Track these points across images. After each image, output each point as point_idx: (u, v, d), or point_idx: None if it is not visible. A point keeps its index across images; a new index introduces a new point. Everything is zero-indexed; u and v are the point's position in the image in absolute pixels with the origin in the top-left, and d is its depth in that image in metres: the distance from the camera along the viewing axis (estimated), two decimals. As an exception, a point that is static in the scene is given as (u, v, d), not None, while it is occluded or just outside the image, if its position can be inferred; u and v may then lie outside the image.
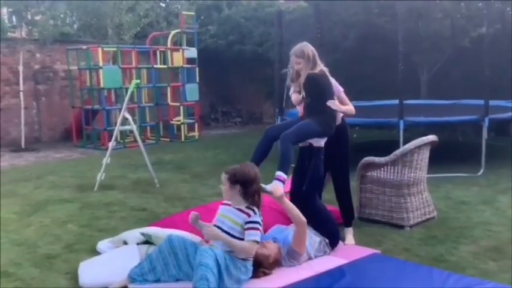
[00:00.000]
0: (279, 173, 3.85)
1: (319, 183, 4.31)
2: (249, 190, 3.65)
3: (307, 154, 4.27)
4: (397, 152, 4.90)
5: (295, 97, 4.32)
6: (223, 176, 3.71)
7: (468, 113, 7.60)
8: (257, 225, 3.60)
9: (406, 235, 4.68)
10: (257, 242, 3.58)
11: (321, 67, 4.14)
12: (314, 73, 4.07)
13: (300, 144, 4.25)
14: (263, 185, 3.75)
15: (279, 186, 3.80)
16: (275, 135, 4.12)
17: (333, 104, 4.10)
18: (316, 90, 4.10)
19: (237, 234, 3.58)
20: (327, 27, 9.74)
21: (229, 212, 3.68)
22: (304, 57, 4.06)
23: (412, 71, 10.32)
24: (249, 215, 3.60)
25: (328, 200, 5.77)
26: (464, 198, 5.90)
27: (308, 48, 4.11)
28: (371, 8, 10.52)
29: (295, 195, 4.24)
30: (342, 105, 4.35)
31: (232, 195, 3.69)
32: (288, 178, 4.02)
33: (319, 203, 4.32)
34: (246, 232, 3.58)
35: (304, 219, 3.83)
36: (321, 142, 4.19)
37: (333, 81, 4.36)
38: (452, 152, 7.99)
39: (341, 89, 4.53)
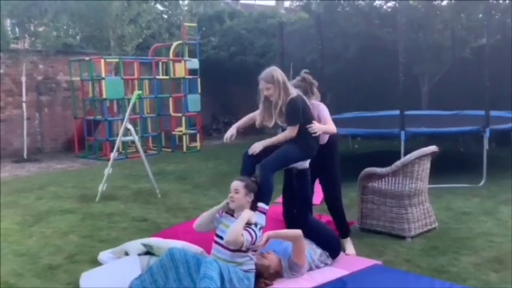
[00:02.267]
0: (261, 205, 3.77)
1: (309, 203, 4.32)
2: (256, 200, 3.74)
3: (292, 175, 4.24)
4: (398, 162, 4.91)
5: (259, 121, 4.20)
6: (238, 184, 3.73)
7: (469, 123, 7.61)
8: (253, 233, 3.60)
9: (407, 246, 4.68)
10: (245, 241, 3.56)
11: (294, 90, 4.07)
12: (294, 98, 4.00)
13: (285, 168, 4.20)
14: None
15: (262, 219, 3.74)
16: (254, 160, 3.99)
17: (312, 128, 4.05)
18: (290, 114, 4.00)
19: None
20: (328, 38, 9.79)
21: (232, 223, 3.69)
22: (274, 82, 3.96)
23: (413, 81, 10.36)
24: (265, 213, 3.68)
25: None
26: (466, 209, 5.90)
27: (277, 72, 4.01)
28: (372, 19, 10.58)
29: (287, 217, 4.26)
30: (323, 124, 4.31)
31: (243, 204, 3.71)
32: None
33: (313, 220, 4.34)
34: (243, 231, 3.60)
35: (297, 232, 3.84)
36: (305, 164, 4.16)
37: (315, 102, 4.40)
38: (454, 163, 7.99)
39: (324, 107, 4.49)
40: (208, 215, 3.84)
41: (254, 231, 3.62)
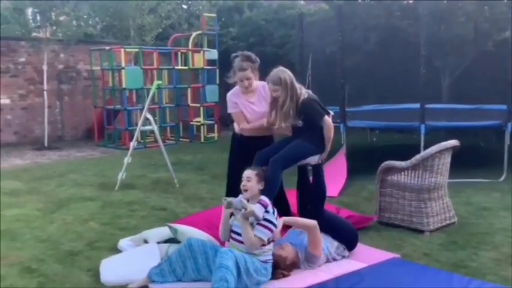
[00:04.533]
0: (263, 197, 3.74)
1: (323, 196, 4.31)
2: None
3: (307, 171, 4.28)
4: (418, 156, 4.87)
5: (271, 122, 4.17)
6: (250, 172, 3.74)
7: (490, 118, 7.51)
8: (269, 225, 3.62)
9: (426, 240, 4.65)
10: (262, 240, 3.58)
11: (303, 90, 4.08)
12: (309, 98, 4.04)
13: (298, 164, 4.19)
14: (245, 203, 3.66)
15: (260, 211, 3.68)
16: (267, 159, 3.96)
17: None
18: (312, 114, 4.04)
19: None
20: (348, 29, 9.71)
21: None
22: (281, 84, 3.96)
23: (434, 74, 10.22)
24: (266, 206, 3.66)
25: (348, 203, 5.81)
26: (486, 204, 5.83)
27: (285, 74, 4.00)
28: (393, 10, 10.46)
29: (302, 212, 4.25)
30: None
31: (256, 192, 3.73)
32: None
33: (328, 213, 4.33)
34: (257, 226, 3.61)
35: (312, 222, 3.84)
36: (316, 159, 4.17)
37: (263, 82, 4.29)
38: (474, 158, 7.90)
39: None
40: (224, 224, 3.82)
41: (267, 220, 3.62)
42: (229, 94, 4.38)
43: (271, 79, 4.03)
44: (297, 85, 4.07)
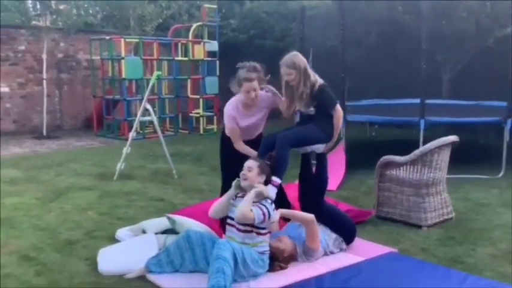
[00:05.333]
0: (274, 178, 3.76)
1: (324, 187, 4.32)
2: (268, 181, 3.75)
3: (310, 160, 4.28)
4: (417, 151, 4.88)
5: (285, 108, 4.17)
6: (252, 163, 3.73)
7: (490, 114, 7.51)
8: (264, 208, 3.60)
9: (423, 235, 4.66)
10: (253, 218, 3.54)
11: (317, 77, 4.08)
12: (322, 84, 4.06)
13: (301, 151, 4.21)
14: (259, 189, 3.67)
15: (274, 192, 3.74)
16: (273, 143, 3.96)
17: None
18: (327, 100, 4.07)
19: (256, 225, 3.60)
20: (350, 24, 9.65)
21: None
22: (295, 68, 3.97)
23: (435, 69, 10.20)
24: (277, 187, 3.68)
25: (346, 197, 5.82)
26: (484, 200, 5.85)
27: (298, 58, 4.02)
28: (395, 5, 10.42)
29: (303, 202, 4.25)
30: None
31: (255, 183, 3.71)
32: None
33: (327, 204, 4.35)
34: (254, 205, 3.59)
35: (310, 215, 3.85)
36: (321, 148, 4.19)
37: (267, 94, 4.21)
38: (473, 154, 7.89)
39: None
40: (223, 202, 3.82)
41: (265, 206, 3.61)
42: (228, 107, 4.18)
43: (285, 63, 4.03)
44: (311, 71, 4.07)
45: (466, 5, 9.92)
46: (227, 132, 4.21)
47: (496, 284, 3.56)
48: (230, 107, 4.17)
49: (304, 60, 4.07)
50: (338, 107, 4.11)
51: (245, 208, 3.54)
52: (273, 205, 3.72)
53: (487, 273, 3.82)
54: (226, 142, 4.27)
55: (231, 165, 3.99)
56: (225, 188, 4.06)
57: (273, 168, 3.79)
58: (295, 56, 4.05)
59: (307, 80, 4.01)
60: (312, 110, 4.07)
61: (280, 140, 3.90)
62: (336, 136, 4.20)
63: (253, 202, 3.62)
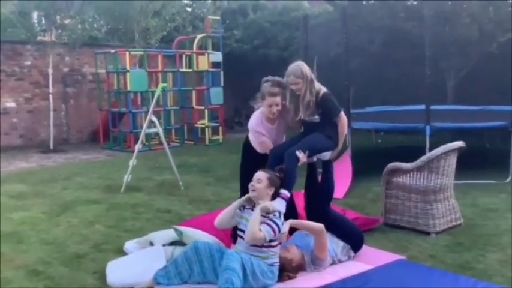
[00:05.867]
0: (283, 191, 3.79)
1: (331, 195, 4.33)
2: (276, 194, 3.74)
3: (316, 168, 4.29)
4: (424, 157, 4.87)
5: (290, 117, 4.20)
6: (262, 174, 3.72)
7: (496, 119, 7.48)
8: (273, 224, 3.59)
9: (431, 242, 4.64)
10: (264, 237, 3.53)
11: (320, 85, 4.13)
12: (326, 92, 4.09)
13: (308, 161, 4.19)
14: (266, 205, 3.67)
15: (283, 205, 3.76)
16: (282, 155, 3.98)
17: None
18: (331, 108, 4.10)
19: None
20: (353, 31, 9.71)
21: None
22: (303, 78, 4.01)
23: (439, 76, 10.20)
24: (286, 200, 3.67)
25: (353, 205, 5.80)
26: (492, 205, 5.81)
27: (305, 67, 4.07)
28: (398, 12, 10.44)
29: (309, 211, 4.25)
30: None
31: (263, 195, 3.71)
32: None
33: (334, 212, 4.34)
34: (263, 223, 3.58)
35: (319, 225, 3.83)
36: (327, 156, 4.21)
37: None
38: (480, 159, 7.87)
39: None
40: (229, 211, 3.81)
41: (274, 221, 3.60)
42: (252, 124, 4.22)
43: (292, 72, 4.06)
44: (315, 80, 4.12)
45: (469, 11, 9.93)
46: (258, 149, 4.26)
47: (506, 290, 3.53)
48: (254, 123, 4.22)
49: (309, 69, 4.11)
50: (342, 114, 4.14)
51: (253, 229, 3.53)
52: (282, 218, 3.70)
53: (497, 278, 3.79)
54: (248, 150, 4.33)
55: (251, 173, 3.98)
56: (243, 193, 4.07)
57: (282, 180, 3.81)
58: (302, 66, 4.09)
59: (312, 88, 4.05)
60: (316, 118, 4.10)
61: (288, 156, 3.93)
62: (341, 143, 4.23)
63: (262, 217, 3.61)
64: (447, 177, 4.92)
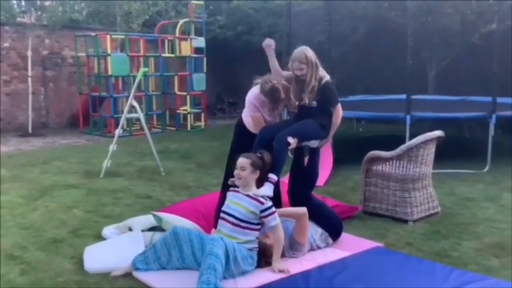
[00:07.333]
0: (271, 175, 3.79)
1: (314, 182, 4.34)
2: (264, 177, 3.74)
3: (303, 154, 4.29)
4: (403, 146, 4.90)
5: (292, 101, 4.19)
6: (245, 161, 3.70)
7: (475, 109, 7.57)
8: (273, 210, 3.64)
9: (409, 229, 4.69)
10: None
11: (324, 72, 4.11)
12: (329, 80, 4.08)
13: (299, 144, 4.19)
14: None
15: (271, 188, 3.77)
16: (271, 137, 3.96)
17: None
18: (330, 97, 4.09)
19: (250, 220, 3.61)
20: (336, 19, 9.69)
21: (240, 199, 3.69)
22: (307, 63, 3.99)
23: (421, 66, 10.28)
24: (262, 203, 3.63)
25: (333, 193, 5.83)
26: (469, 194, 5.90)
27: (309, 52, 4.04)
28: (381, 1, 10.47)
29: (292, 194, 4.26)
30: None
31: (249, 181, 3.71)
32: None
33: (315, 199, 4.36)
34: (266, 220, 3.61)
35: (302, 209, 3.87)
36: (315, 143, 4.20)
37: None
38: (458, 148, 7.97)
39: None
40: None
41: (272, 207, 3.66)
42: (250, 96, 4.21)
43: (297, 58, 4.02)
44: (319, 66, 4.09)
45: (451, 2, 10.00)
46: (253, 120, 4.20)
47: (481, 277, 3.58)
48: (252, 96, 4.21)
49: (314, 54, 4.07)
50: (339, 106, 4.13)
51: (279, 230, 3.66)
52: (271, 202, 3.71)
53: (472, 266, 3.85)
54: (240, 133, 4.30)
55: (242, 153, 3.94)
56: (227, 180, 4.05)
57: (271, 165, 3.80)
58: (307, 51, 4.05)
59: (317, 74, 4.03)
60: (314, 103, 4.07)
61: (278, 139, 3.90)
62: (333, 134, 4.23)
63: (249, 196, 3.65)
64: (426, 166, 4.97)
